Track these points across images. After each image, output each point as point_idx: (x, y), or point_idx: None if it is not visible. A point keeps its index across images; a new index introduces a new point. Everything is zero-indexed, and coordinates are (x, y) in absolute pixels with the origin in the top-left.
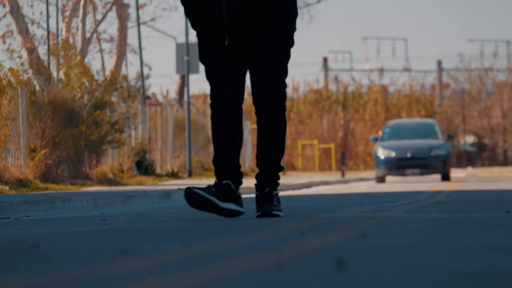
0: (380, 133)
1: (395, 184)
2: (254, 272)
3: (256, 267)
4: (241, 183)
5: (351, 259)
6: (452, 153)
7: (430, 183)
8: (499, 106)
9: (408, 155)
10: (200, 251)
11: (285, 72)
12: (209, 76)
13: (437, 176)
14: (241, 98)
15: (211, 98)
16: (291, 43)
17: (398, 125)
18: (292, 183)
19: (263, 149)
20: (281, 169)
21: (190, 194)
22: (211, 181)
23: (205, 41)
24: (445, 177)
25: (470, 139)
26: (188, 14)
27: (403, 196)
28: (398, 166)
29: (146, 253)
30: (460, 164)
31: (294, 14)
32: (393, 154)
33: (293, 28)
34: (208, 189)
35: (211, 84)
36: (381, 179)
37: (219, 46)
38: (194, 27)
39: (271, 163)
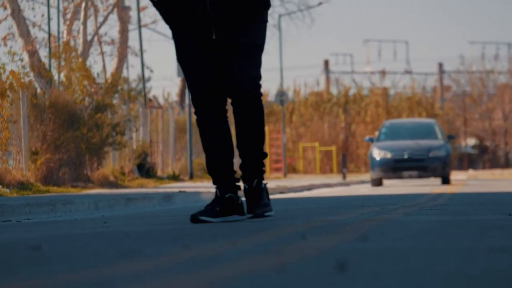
0: (377, 133)
1: (396, 187)
2: (256, 274)
3: (257, 269)
4: (240, 188)
5: (352, 261)
6: (453, 155)
7: (430, 186)
8: (500, 108)
9: (405, 156)
10: (201, 253)
11: (260, 59)
12: (191, 77)
13: (437, 179)
14: (226, 101)
15: (195, 102)
16: (265, 31)
17: (395, 125)
18: (293, 185)
19: (246, 139)
20: (265, 155)
21: (197, 222)
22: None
23: (184, 38)
24: (445, 180)
25: (472, 141)
26: (167, 11)
27: (404, 198)
28: (395, 168)
29: (147, 256)
30: (461, 167)
31: (269, 4)
32: (389, 155)
33: (267, 17)
34: (213, 211)
35: (193, 87)
36: (376, 182)
37: (200, 42)
38: (172, 24)
39: (255, 152)
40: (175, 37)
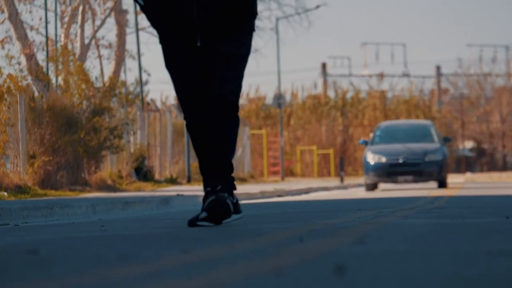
0: (371, 136)
1: (393, 190)
2: (254, 278)
3: (255, 273)
4: (235, 187)
5: (350, 264)
6: (451, 158)
7: (427, 190)
8: (498, 111)
9: (400, 160)
10: (199, 257)
11: (244, 70)
12: (178, 81)
13: (433, 183)
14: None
15: (183, 106)
16: (251, 41)
17: (390, 127)
18: (291, 189)
19: (215, 147)
20: (231, 169)
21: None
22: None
23: (170, 42)
24: (442, 184)
25: (469, 144)
26: (153, 15)
27: (401, 201)
28: (389, 172)
29: (145, 259)
30: (459, 170)
31: (256, 12)
32: (383, 160)
33: (254, 26)
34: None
35: (181, 91)
36: (371, 187)
37: (185, 47)
38: (159, 28)
39: (223, 161)
40: (162, 41)
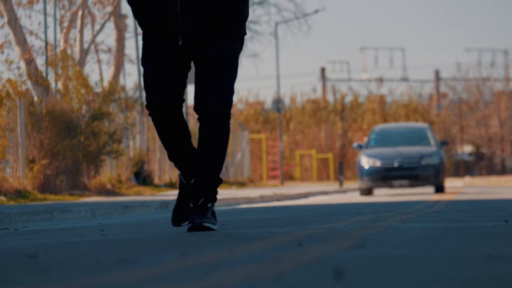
0: (365, 139)
1: (391, 195)
2: (253, 282)
3: (255, 278)
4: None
5: (350, 269)
6: (450, 162)
7: (426, 195)
8: (496, 115)
9: (396, 164)
10: (198, 261)
11: (235, 76)
12: (150, 82)
13: (430, 188)
14: (181, 105)
15: (150, 109)
16: (242, 46)
17: (385, 130)
18: (290, 193)
19: (203, 158)
20: (220, 182)
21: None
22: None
23: (151, 42)
24: (439, 189)
25: (468, 148)
26: (138, 14)
27: (401, 206)
28: (384, 177)
29: (145, 264)
30: (458, 174)
31: (246, 15)
32: (378, 164)
33: (244, 31)
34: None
35: (150, 92)
36: (365, 192)
37: (166, 47)
38: (143, 27)
39: (209, 174)
40: (144, 38)
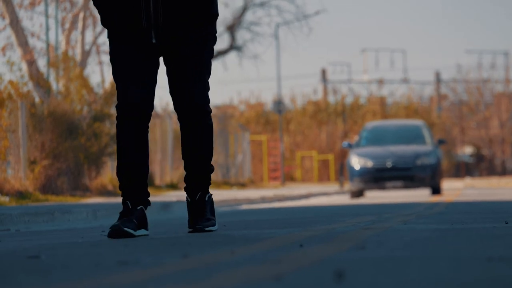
0: (356, 137)
1: (390, 197)
2: (254, 283)
3: (255, 279)
4: (149, 203)
5: (350, 270)
6: (450, 164)
7: (420, 197)
8: (497, 117)
9: (389, 164)
10: (199, 262)
11: (210, 73)
12: (122, 82)
13: (425, 189)
14: (151, 107)
15: (120, 108)
16: (215, 43)
17: (377, 128)
18: (291, 194)
19: (192, 152)
20: (212, 169)
21: (122, 234)
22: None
23: (121, 40)
24: (435, 191)
25: (468, 150)
26: (107, 12)
27: (401, 207)
28: (376, 178)
29: (146, 265)
30: (458, 175)
31: (217, 13)
32: (370, 164)
33: (215, 28)
34: (132, 223)
35: (122, 93)
36: (356, 194)
37: (139, 46)
38: (112, 26)
39: (201, 165)
40: (112, 36)
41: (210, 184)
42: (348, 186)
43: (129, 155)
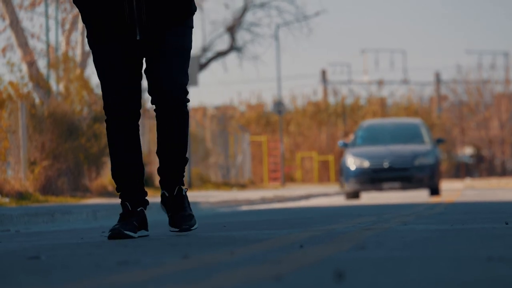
0: (352, 136)
1: (390, 197)
2: (254, 283)
3: (255, 279)
4: (148, 203)
5: (350, 270)
6: (450, 164)
7: (419, 198)
8: (497, 117)
9: (386, 165)
10: (199, 263)
11: (188, 66)
12: (107, 83)
13: (424, 190)
14: (139, 105)
15: (107, 109)
16: (191, 37)
17: (374, 127)
18: (291, 194)
19: (168, 145)
20: (186, 162)
21: (121, 236)
22: (211, 193)
23: (103, 39)
24: (434, 191)
25: (468, 150)
26: (90, 11)
27: (402, 207)
28: (373, 179)
29: (145, 265)
30: (458, 176)
31: (196, 8)
32: (366, 164)
33: (193, 23)
34: (133, 225)
35: (108, 93)
36: (351, 195)
37: (123, 43)
38: (92, 24)
39: (178, 158)
40: (94, 35)
41: (183, 177)
42: (343, 187)
43: (122, 155)
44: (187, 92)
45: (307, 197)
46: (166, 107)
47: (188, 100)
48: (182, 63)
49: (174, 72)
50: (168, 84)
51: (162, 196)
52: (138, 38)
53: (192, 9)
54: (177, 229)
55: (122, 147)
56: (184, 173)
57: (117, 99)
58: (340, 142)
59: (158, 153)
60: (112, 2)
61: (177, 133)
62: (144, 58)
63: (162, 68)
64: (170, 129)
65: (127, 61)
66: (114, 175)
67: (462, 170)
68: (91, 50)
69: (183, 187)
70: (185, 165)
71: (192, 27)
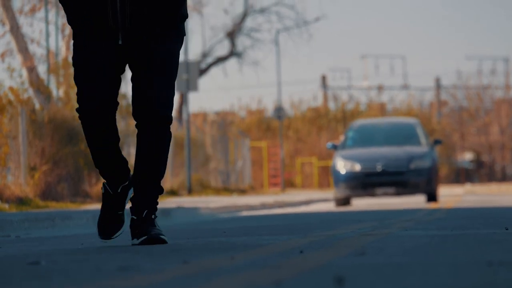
0: (342, 138)
1: (388, 203)
2: None
3: (255, 284)
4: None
5: (350, 276)
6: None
7: (415, 204)
8: (497, 123)
9: (379, 168)
10: (199, 268)
11: (175, 78)
12: (88, 84)
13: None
14: (115, 108)
15: (82, 112)
16: (182, 44)
17: (366, 127)
18: (291, 200)
19: (146, 168)
20: (161, 191)
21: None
22: (211, 198)
23: (85, 40)
24: (431, 197)
25: (469, 156)
26: (74, 11)
27: (402, 213)
28: (365, 183)
29: (146, 270)
30: (458, 181)
31: (186, 15)
32: (357, 168)
33: (184, 31)
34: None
35: (83, 96)
36: (342, 202)
37: (104, 46)
38: (78, 25)
39: (152, 184)
40: (77, 36)
41: (157, 204)
42: (333, 192)
43: (100, 150)
44: (171, 108)
45: (307, 202)
46: (146, 126)
47: (171, 119)
48: (168, 75)
49: (157, 87)
50: (150, 102)
51: (131, 221)
52: (120, 43)
53: (183, 15)
54: (144, 237)
55: (101, 152)
56: (157, 203)
57: (92, 104)
58: (328, 144)
59: (133, 176)
60: (96, 4)
61: (155, 156)
62: (128, 65)
63: (143, 83)
64: (149, 151)
65: (105, 65)
66: (97, 166)
67: (462, 176)
68: (72, 50)
69: (154, 215)
70: (159, 193)
71: (184, 35)
